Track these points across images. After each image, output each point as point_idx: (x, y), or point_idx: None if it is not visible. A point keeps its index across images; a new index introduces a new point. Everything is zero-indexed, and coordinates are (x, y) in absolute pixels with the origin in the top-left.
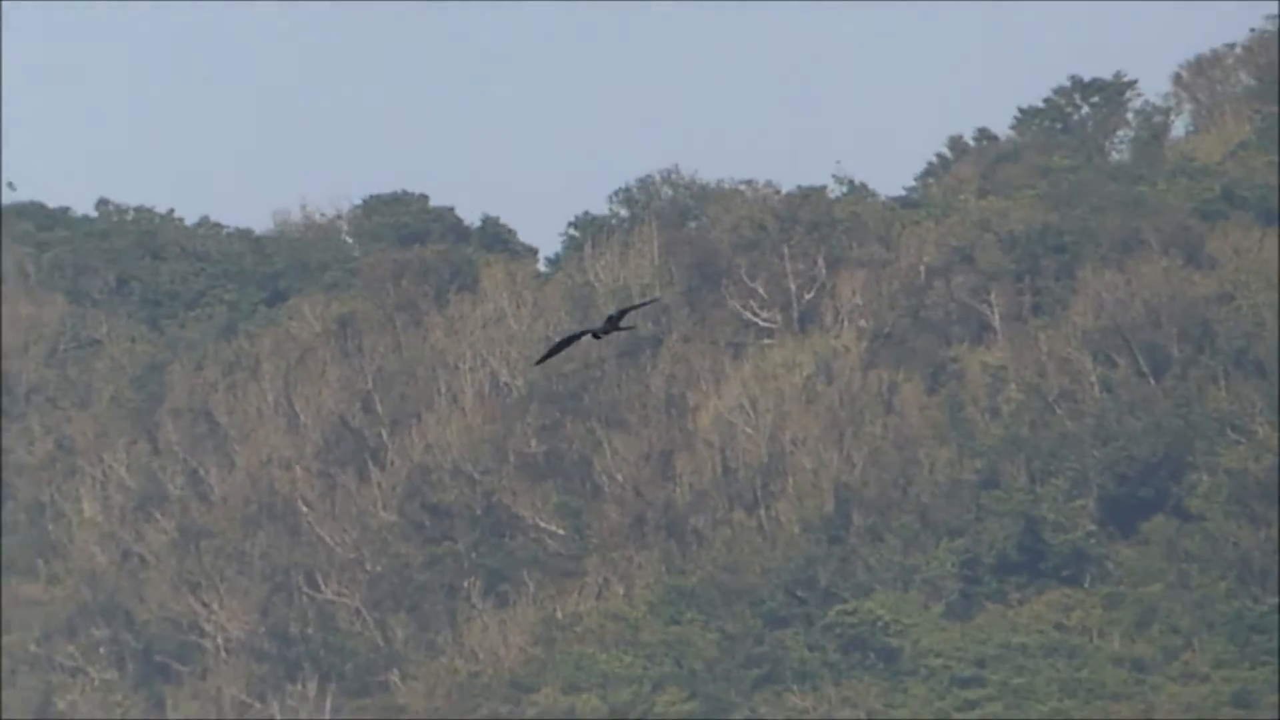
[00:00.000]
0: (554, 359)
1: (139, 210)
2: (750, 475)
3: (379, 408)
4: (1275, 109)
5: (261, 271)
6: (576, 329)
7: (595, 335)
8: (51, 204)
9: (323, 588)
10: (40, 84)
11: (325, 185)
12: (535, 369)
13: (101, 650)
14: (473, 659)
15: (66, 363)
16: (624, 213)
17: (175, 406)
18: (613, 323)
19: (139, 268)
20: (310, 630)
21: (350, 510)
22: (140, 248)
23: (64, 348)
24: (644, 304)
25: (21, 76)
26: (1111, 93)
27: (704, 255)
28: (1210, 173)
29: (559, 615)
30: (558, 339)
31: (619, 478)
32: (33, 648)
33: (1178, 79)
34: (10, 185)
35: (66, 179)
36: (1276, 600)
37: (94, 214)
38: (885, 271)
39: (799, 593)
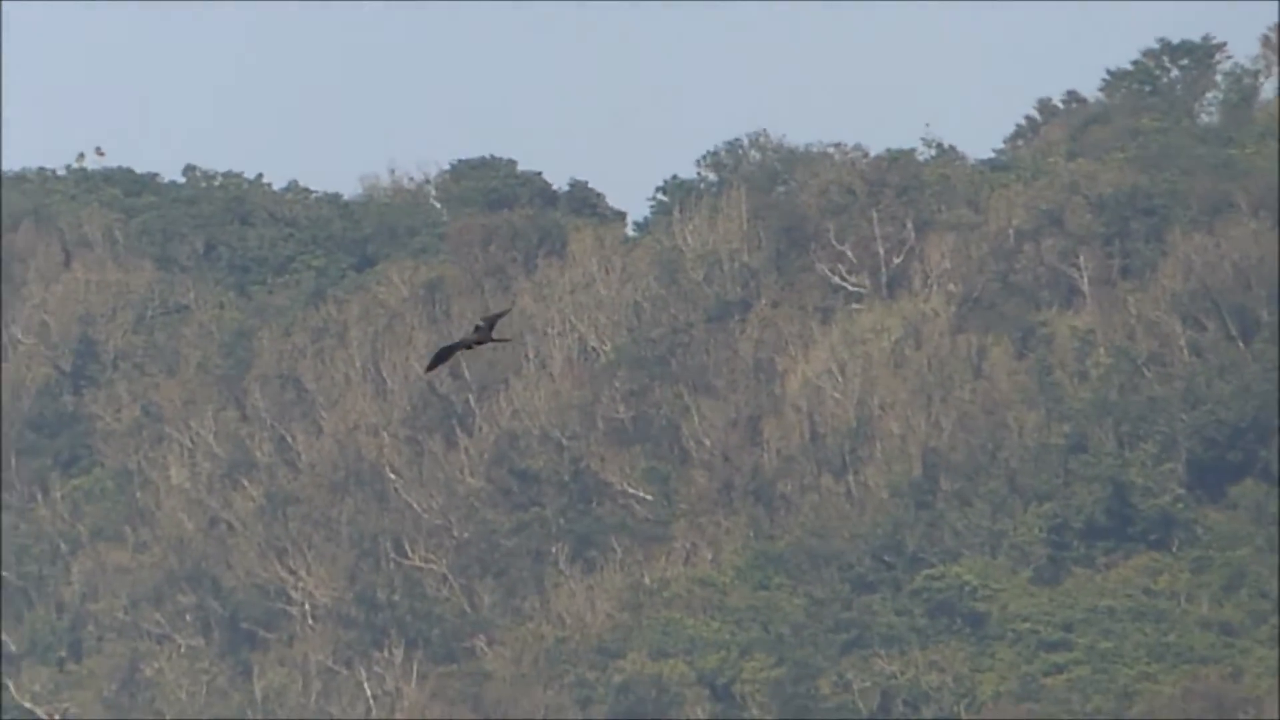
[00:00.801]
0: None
1: (227, 176)
2: (838, 440)
3: (467, 373)
4: None
5: (349, 237)
6: (457, 340)
7: (467, 346)
8: (139, 170)
9: (410, 554)
10: (127, 50)
11: (414, 150)
12: None
13: (188, 617)
14: (560, 625)
15: (154, 329)
16: (712, 177)
17: (263, 373)
18: (482, 332)
19: (227, 233)
20: (397, 597)
21: (438, 476)
22: (228, 213)
23: (152, 314)
24: (503, 313)
25: (109, 42)
26: (1200, 55)
27: (792, 219)
28: None
29: (646, 581)
30: (440, 347)
31: (707, 443)
32: (120, 615)
33: (1266, 41)
34: (99, 151)
35: (155, 145)
36: None
37: (182, 180)
38: (974, 235)
39: (886, 558)
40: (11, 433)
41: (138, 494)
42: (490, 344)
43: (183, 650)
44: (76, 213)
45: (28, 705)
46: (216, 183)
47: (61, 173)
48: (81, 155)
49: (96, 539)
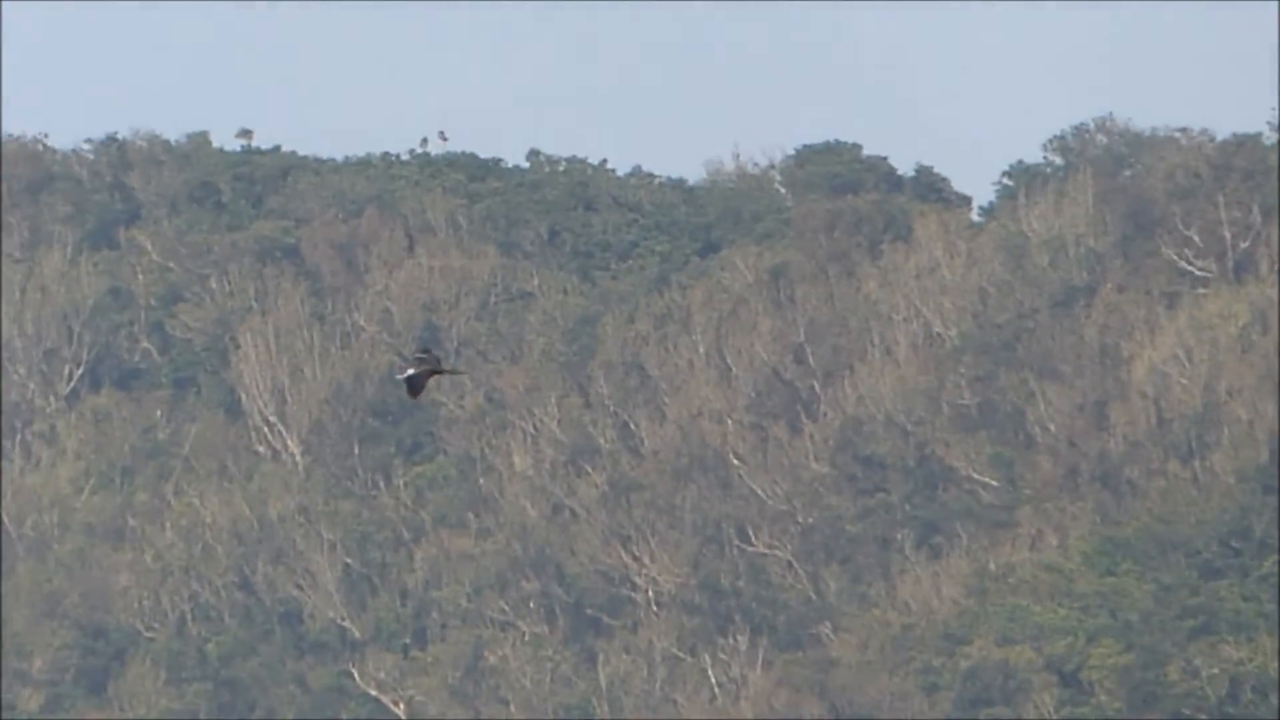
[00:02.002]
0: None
1: (571, 161)
2: (1185, 426)
3: (811, 359)
4: None
5: (694, 223)
6: (414, 364)
7: (433, 373)
8: (483, 155)
9: (754, 540)
10: (470, 36)
11: (758, 135)
12: None
13: (532, 604)
14: (905, 611)
15: (497, 315)
16: (1058, 161)
17: (606, 359)
18: (433, 362)
19: (571, 219)
20: (741, 583)
21: (782, 462)
22: (572, 199)
23: (495, 300)
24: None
25: (451, 29)
26: None
27: (1138, 204)
28: None
29: (992, 567)
30: (409, 382)
31: (1052, 428)
32: (464, 602)
33: None
34: (443, 136)
35: (499, 130)
36: None
37: (525, 165)
38: None
39: (1234, 544)
40: (354, 420)
41: (480, 481)
42: (446, 374)
43: (527, 637)
44: (420, 199)
45: (373, 692)
46: (560, 168)
47: (405, 158)
48: (425, 141)
49: (440, 526)
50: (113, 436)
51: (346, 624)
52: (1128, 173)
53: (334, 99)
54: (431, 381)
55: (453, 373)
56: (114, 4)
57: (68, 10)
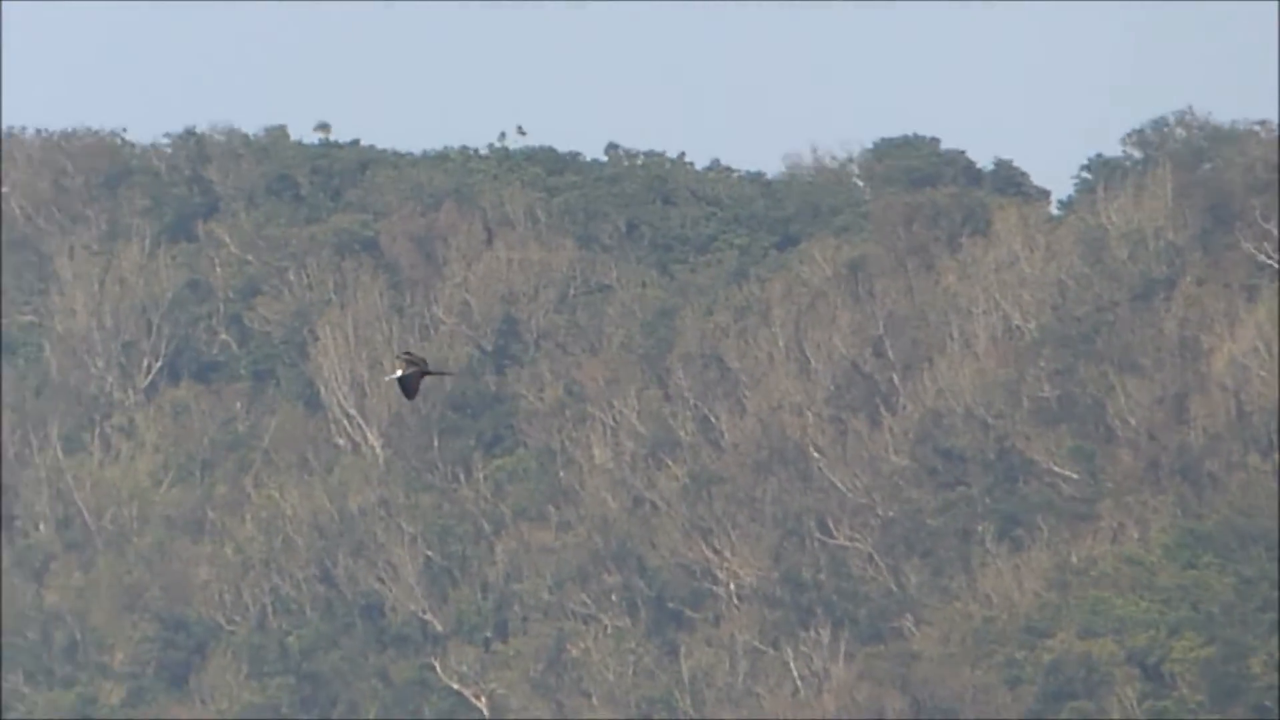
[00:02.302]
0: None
1: (649, 155)
2: (1265, 418)
3: (890, 352)
4: None
5: (772, 216)
6: (415, 367)
7: (423, 374)
8: (561, 149)
9: (834, 533)
10: (549, 30)
11: (836, 128)
12: None
13: (613, 597)
14: (987, 604)
15: (576, 308)
16: (1137, 155)
17: (686, 352)
18: (413, 364)
19: (649, 212)
20: (822, 576)
21: (861, 455)
22: (650, 192)
23: (574, 293)
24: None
25: (527, 21)
26: None
27: (1218, 197)
28: None
29: (1073, 560)
30: (404, 383)
31: (1132, 421)
32: (545, 595)
33: None
34: (520, 130)
35: (577, 123)
36: None
37: (603, 159)
38: None
39: None
40: (434, 413)
41: (561, 473)
42: (436, 375)
43: (608, 630)
44: (498, 192)
45: (455, 686)
46: (638, 162)
47: (484, 152)
48: (503, 134)
49: (520, 519)
50: (192, 429)
51: (428, 617)
52: (1207, 166)
53: (412, 92)
54: (511, 375)
55: (441, 373)
56: (184, 2)
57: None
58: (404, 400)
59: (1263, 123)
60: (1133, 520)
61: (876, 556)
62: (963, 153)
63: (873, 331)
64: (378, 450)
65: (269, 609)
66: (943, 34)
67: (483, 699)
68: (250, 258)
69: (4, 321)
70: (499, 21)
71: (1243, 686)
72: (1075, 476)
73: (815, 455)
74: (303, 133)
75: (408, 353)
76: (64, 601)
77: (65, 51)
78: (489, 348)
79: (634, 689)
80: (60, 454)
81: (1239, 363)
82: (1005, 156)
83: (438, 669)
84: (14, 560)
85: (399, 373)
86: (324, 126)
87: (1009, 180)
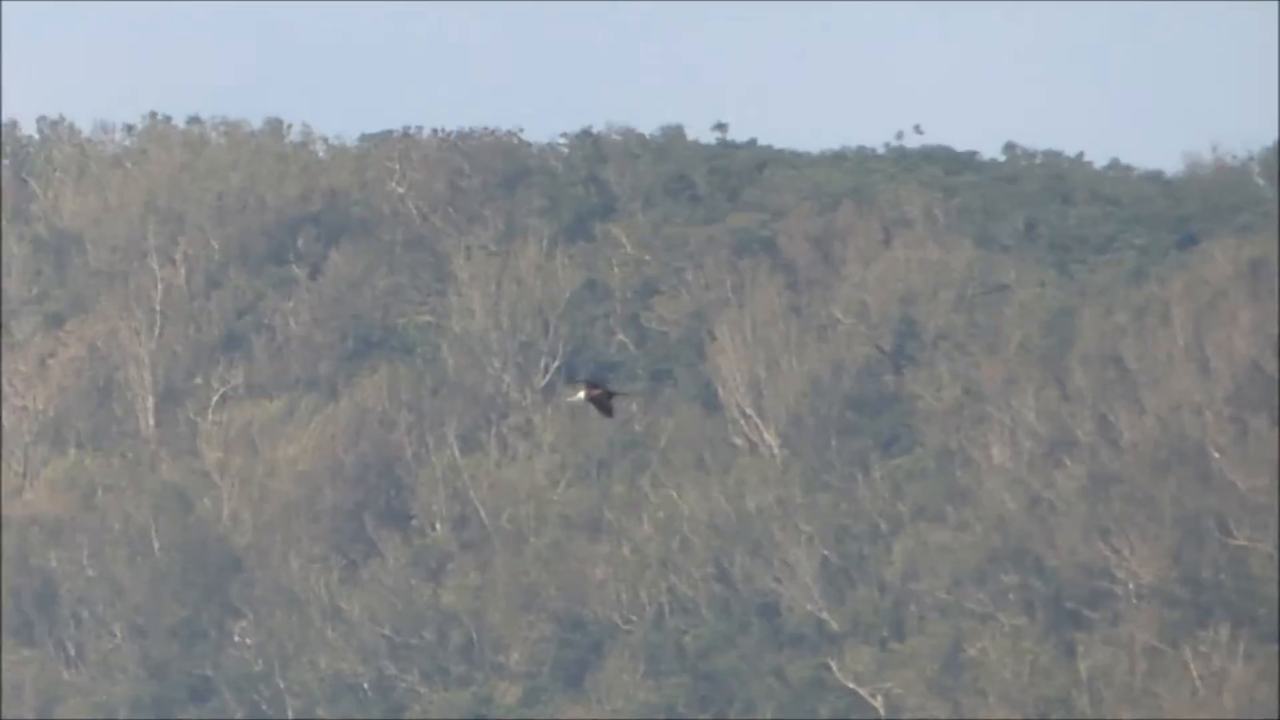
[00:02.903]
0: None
1: (1047, 154)
2: None
3: None
4: None
5: (1172, 215)
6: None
7: (609, 395)
8: (958, 148)
9: (1234, 533)
10: (941, 30)
11: (1238, 126)
12: None
13: (1011, 596)
14: None
15: (974, 308)
16: None
17: (1084, 352)
18: (596, 386)
19: (1048, 212)
20: (1222, 576)
21: (1262, 455)
22: (1049, 192)
23: (972, 293)
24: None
25: (923, 21)
26: None
27: None
28: None
29: None
30: (592, 395)
31: None
32: (942, 594)
33: None
34: (918, 129)
35: (974, 123)
36: None
37: (1002, 158)
38: None
39: None
40: (832, 412)
41: (958, 473)
42: (620, 395)
43: (1006, 630)
44: (895, 191)
45: (851, 685)
46: (1037, 161)
47: (880, 151)
48: (900, 134)
49: (917, 518)
50: (588, 430)
51: (824, 616)
52: None
53: (808, 92)
54: (909, 374)
55: (624, 394)
56: (582, 3)
57: (540, 7)
58: (801, 400)
59: None
60: None
61: (1278, 556)
62: None
63: (1273, 330)
64: (775, 450)
65: (665, 608)
66: None
67: (879, 698)
68: (647, 258)
69: (401, 321)
70: (894, 21)
71: None
72: None
73: (1215, 455)
74: (699, 133)
75: (588, 380)
76: (460, 601)
77: (463, 52)
78: (887, 347)
79: (1031, 688)
80: (457, 454)
81: None
82: None
83: (834, 668)
84: (411, 559)
85: (580, 395)
86: (721, 126)
87: None
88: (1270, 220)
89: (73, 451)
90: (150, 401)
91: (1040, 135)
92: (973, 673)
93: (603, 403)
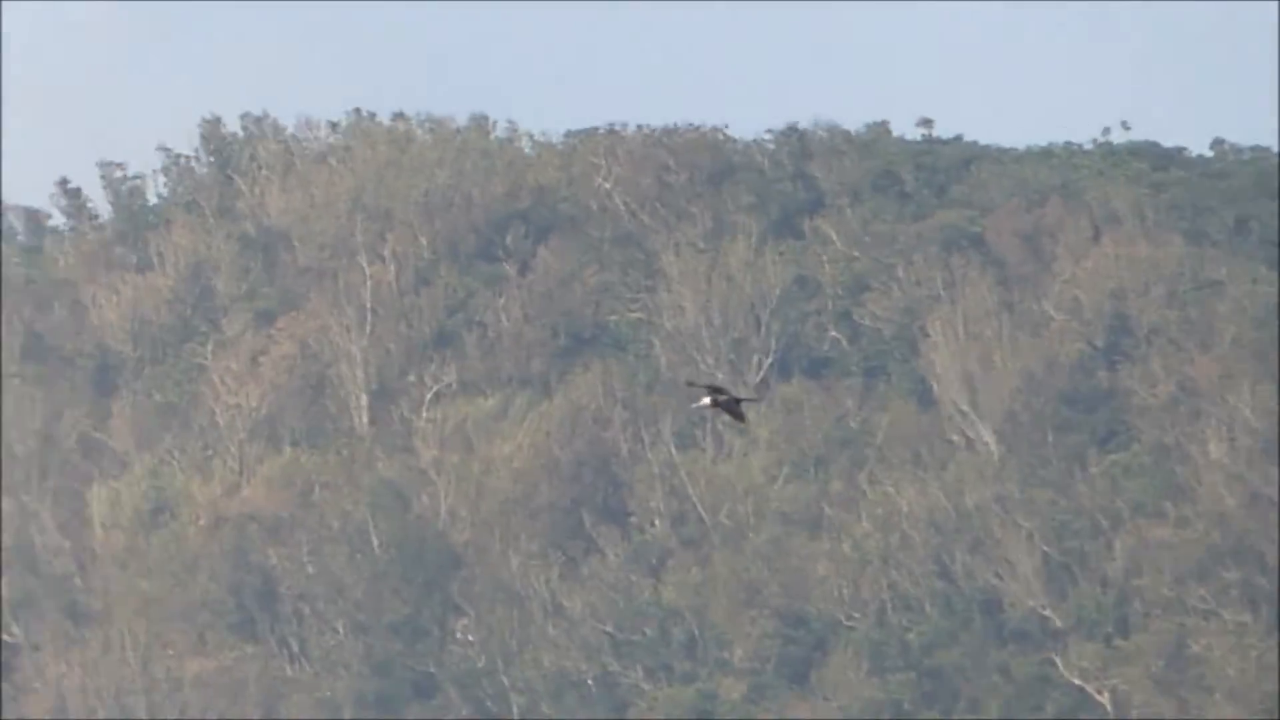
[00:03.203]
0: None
1: (1255, 150)
2: None
3: None
4: None
5: None
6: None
7: (736, 400)
8: (1166, 144)
9: None
10: (1143, 26)
11: None
12: None
13: (1233, 593)
14: None
15: (1186, 304)
16: None
17: None
18: (721, 392)
19: (1258, 208)
20: None
21: None
22: (1258, 188)
23: (1183, 289)
24: (749, 399)
25: (1126, 18)
26: None
27: None
28: None
29: None
30: (720, 399)
31: None
32: (1164, 591)
33: None
34: (1125, 125)
35: (1181, 118)
36: None
37: (1209, 154)
38: None
39: None
40: (1047, 409)
41: (1176, 469)
42: (744, 401)
43: (1229, 627)
44: (1104, 188)
45: (1076, 681)
46: (1245, 157)
47: (1088, 147)
48: (1108, 130)
49: (1137, 515)
50: (804, 426)
51: (1047, 613)
52: None
53: (1014, 88)
54: (1124, 370)
55: (750, 400)
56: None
57: (739, 6)
58: (1016, 396)
59: None
60: None
61: None
62: None
63: None
64: (992, 446)
65: (888, 605)
66: None
67: (1105, 695)
68: (858, 254)
69: (613, 318)
70: (1099, 16)
71: None
72: None
73: None
74: (904, 129)
75: (709, 385)
76: (682, 598)
77: (666, 48)
78: (1100, 344)
79: (1256, 685)
80: (673, 450)
81: None
82: None
83: (1059, 664)
84: (630, 556)
85: (705, 400)
86: (927, 122)
87: None
88: None
89: (288, 449)
90: (364, 399)
91: (1248, 131)
92: (1198, 669)
93: (732, 407)
